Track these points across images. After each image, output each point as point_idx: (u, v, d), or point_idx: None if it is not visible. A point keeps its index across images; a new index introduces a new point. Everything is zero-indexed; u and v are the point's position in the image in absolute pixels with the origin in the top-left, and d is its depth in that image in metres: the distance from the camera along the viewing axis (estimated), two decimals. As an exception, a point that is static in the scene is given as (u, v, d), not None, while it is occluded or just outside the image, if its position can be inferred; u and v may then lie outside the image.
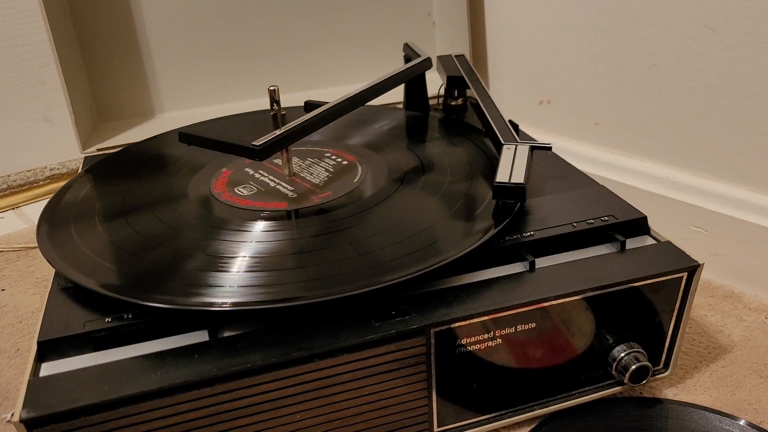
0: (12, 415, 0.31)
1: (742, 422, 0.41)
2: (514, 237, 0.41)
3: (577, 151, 0.68)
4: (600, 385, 0.43)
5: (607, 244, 0.42)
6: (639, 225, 0.43)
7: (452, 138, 0.56)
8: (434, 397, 0.38)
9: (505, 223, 0.41)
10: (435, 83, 0.68)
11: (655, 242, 0.43)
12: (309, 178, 0.50)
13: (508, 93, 0.75)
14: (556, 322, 0.39)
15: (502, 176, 0.42)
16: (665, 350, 0.43)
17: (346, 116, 0.53)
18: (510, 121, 0.51)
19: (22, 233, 0.70)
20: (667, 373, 0.44)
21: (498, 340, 0.38)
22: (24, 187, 0.78)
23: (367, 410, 0.37)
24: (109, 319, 0.36)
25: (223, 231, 0.42)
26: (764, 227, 0.53)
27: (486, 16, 0.74)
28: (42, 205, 0.74)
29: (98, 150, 0.65)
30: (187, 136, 0.48)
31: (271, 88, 0.49)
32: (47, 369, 0.34)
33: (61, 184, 0.73)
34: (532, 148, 0.46)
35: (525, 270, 0.40)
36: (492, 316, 0.37)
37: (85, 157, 0.64)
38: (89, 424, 0.32)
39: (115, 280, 0.38)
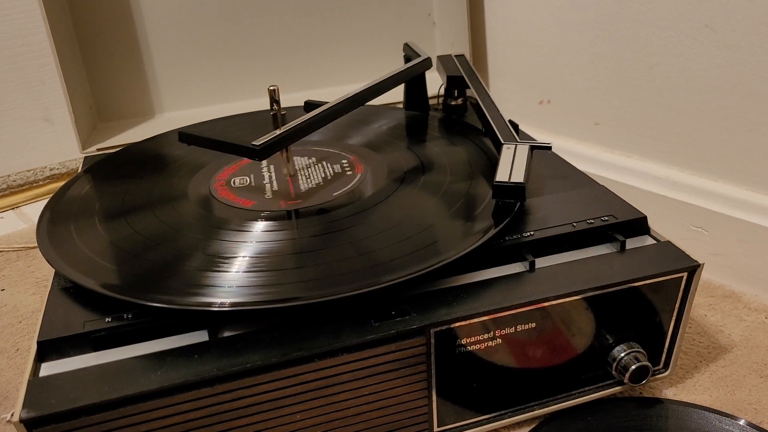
0: (12, 415, 0.31)
1: (742, 422, 0.41)
2: (514, 237, 0.41)
3: (577, 151, 0.68)
4: (600, 385, 0.43)
5: (607, 244, 0.42)
6: (639, 225, 0.43)
7: (452, 138, 0.56)
8: (434, 397, 0.38)
9: (505, 222, 0.41)
10: (435, 83, 0.68)
11: (655, 242, 0.43)
12: (308, 179, 0.50)
13: (508, 93, 0.75)
14: (556, 322, 0.39)
15: (501, 176, 0.42)
16: (665, 350, 0.43)
17: (346, 116, 0.53)
18: (510, 121, 0.51)
19: (22, 233, 0.70)
20: (667, 373, 0.44)
21: (498, 340, 0.38)
22: (24, 187, 0.78)
23: (367, 410, 0.37)
24: (109, 319, 0.36)
25: (223, 231, 0.42)
26: (764, 227, 0.53)
27: (486, 16, 0.74)
28: (42, 205, 0.74)
29: (98, 150, 0.65)
30: (187, 136, 0.48)
31: (271, 88, 0.49)
32: (47, 369, 0.34)
33: (61, 184, 0.73)
34: (532, 148, 0.46)
35: (525, 270, 0.40)
36: (492, 316, 0.37)
37: (85, 157, 0.64)
38: (89, 424, 0.32)
39: (115, 280, 0.38)
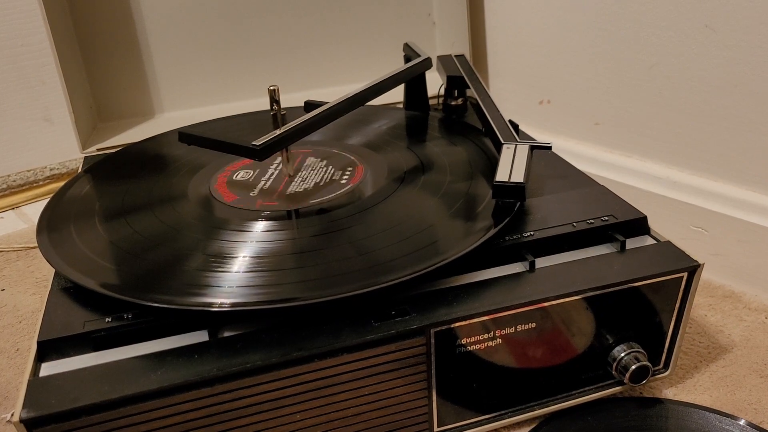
0: (12, 415, 0.31)
1: (742, 422, 0.41)
2: (514, 237, 0.41)
3: (577, 151, 0.68)
4: (600, 385, 0.43)
5: (607, 244, 0.42)
6: (639, 225, 0.43)
7: (452, 138, 0.56)
8: (434, 397, 0.38)
9: (504, 222, 0.41)
10: (435, 83, 0.68)
11: (655, 242, 0.43)
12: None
13: (508, 93, 0.75)
14: (556, 322, 0.39)
15: (501, 176, 0.42)
16: (665, 350, 0.43)
17: (346, 116, 0.53)
18: (510, 121, 0.51)
19: (22, 233, 0.70)
20: (667, 373, 0.44)
21: (498, 340, 0.38)
22: (24, 187, 0.78)
23: (367, 410, 0.37)
24: (109, 319, 0.36)
25: (222, 231, 0.42)
26: (764, 227, 0.53)
27: (486, 16, 0.74)
28: (42, 205, 0.74)
29: (98, 150, 0.65)
30: (186, 136, 0.48)
31: (271, 88, 0.49)
32: (47, 369, 0.34)
33: (61, 184, 0.73)
34: (532, 148, 0.46)
35: (525, 270, 0.40)
36: (492, 316, 0.37)
37: (85, 157, 0.64)
38: (89, 424, 0.32)
39: (115, 280, 0.38)
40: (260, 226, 0.43)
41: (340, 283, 0.36)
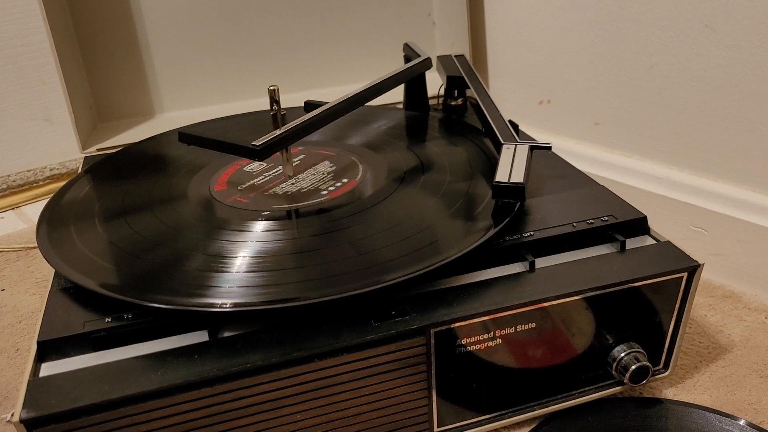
0: (12, 415, 0.31)
1: (742, 422, 0.41)
2: (514, 237, 0.41)
3: (577, 151, 0.68)
4: (600, 385, 0.43)
5: (607, 244, 0.42)
6: (639, 225, 0.43)
7: (452, 138, 0.56)
8: (434, 397, 0.38)
9: (504, 222, 0.41)
10: (435, 83, 0.68)
11: (655, 242, 0.43)
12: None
13: (508, 93, 0.75)
14: (556, 322, 0.39)
15: (501, 176, 0.42)
16: (665, 350, 0.43)
17: (346, 116, 0.53)
18: (510, 121, 0.51)
19: (22, 233, 0.70)
20: (667, 373, 0.44)
21: (498, 340, 0.38)
22: (24, 187, 0.78)
23: (367, 410, 0.37)
24: (109, 319, 0.36)
25: (222, 231, 0.42)
26: (764, 227, 0.53)
27: (486, 16, 0.74)
28: (42, 205, 0.74)
29: (98, 150, 0.65)
30: (186, 136, 0.48)
31: (271, 88, 0.49)
32: (47, 369, 0.34)
33: (61, 184, 0.73)
34: (532, 148, 0.46)
35: (525, 270, 0.40)
36: (492, 316, 0.37)
37: (85, 157, 0.64)
38: (89, 424, 0.32)
39: (115, 280, 0.38)
40: (260, 226, 0.43)
41: (341, 282, 0.36)
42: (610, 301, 0.39)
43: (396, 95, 0.64)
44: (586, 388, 0.42)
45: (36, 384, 0.32)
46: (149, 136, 0.62)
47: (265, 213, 0.44)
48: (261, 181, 0.50)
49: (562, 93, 0.69)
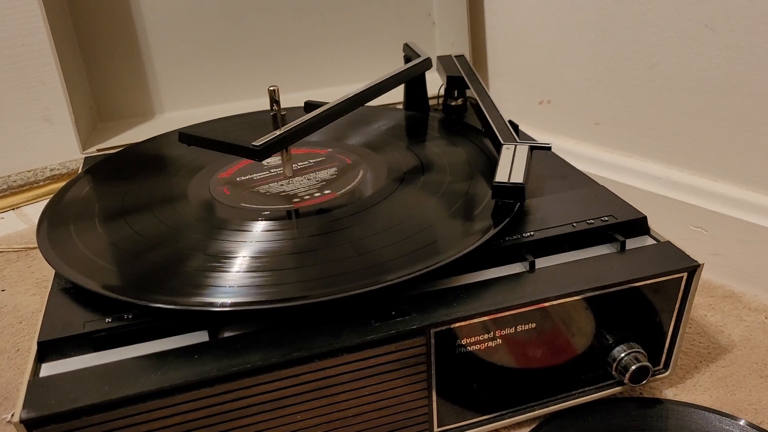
0: (12, 415, 0.31)
1: (742, 422, 0.41)
2: (514, 237, 0.41)
3: (577, 151, 0.68)
4: (600, 385, 0.43)
5: (607, 244, 0.42)
6: (639, 225, 0.43)
7: (452, 138, 0.56)
8: (434, 397, 0.38)
9: (504, 223, 0.41)
10: (435, 83, 0.68)
11: (655, 242, 0.43)
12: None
13: (508, 93, 0.75)
14: (556, 322, 0.39)
15: (501, 176, 0.42)
16: (665, 350, 0.43)
17: (346, 116, 0.53)
18: (510, 121, 0.51)
19: (23, 234, 0.70)
20: (667, 374, 0.44)
21: (498, 340, 0.38)
22: (24, 188, 0.78)
23: (367, 410, 0.37)
24: (110, 320, 0.36)
25: (223, 231, 0.42)
26: (764, 227, 0.54)
27: (486, 16, 0.74)
28: (42, 205, 0.74)
29: (98, 150, 0.65)
30: (186, 136, 0.48)
31: (271, 88, 0.49)
32: (47, 369, 0.34)
33: (61, 184, 0.73)
34: (532, 148, 0.46)
35: (525, 270, 0.40)
36: (492, 317, 0.37)
37: (85, 158, 0.64)
38: (89, 424, 0.32)
39: (115, 281, 0.38)
40: (260, 226, 0.43)
41: (341, 282, 0.36)
42: (610, 301, 0.39)
43: (396, 95, 0.64)
44: (586, 389, 0.42)
45: (36, 384, 0.32)
46: (149, 136, 0.62)
47: (265, 213, 0.44)
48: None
49: (562, 93, 0.69)
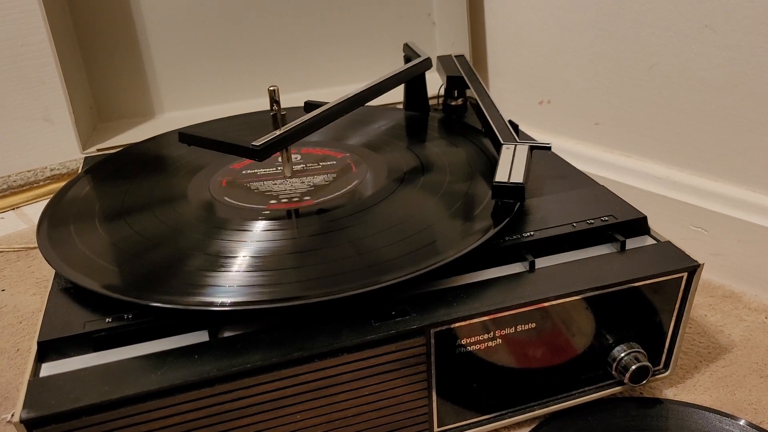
0: (12, 415, 0.31)
1: (742, 422, 0.41)
2: (514, 237, 0.41)
3: (577, 151, 0.68)
4: (600, 385, 0.43)
5: (607, 244, 0.42)
6: (639, 225, 0.43)
7: (452, 138, 0.56)
8: (434, 397, 0.38)
9: (504, 223, 0.41)
10: (435, 83, 0.68)
11: (655, 242, 0.43)
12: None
13: (508, 93, 0.75)
14: (556, 322, 0.39)
15: (501, 176, 0.42)
16: (665, 350, 0.43)
17: (346, 116, 0.53)
18: (510, 121, 0.51)
19: (23, 233, 0.70)
20: (667, 373, 0.44)
21: (498, 340, 0.38)
22: (24, 188, 0.78)
23: (367, 410, 0.37)
24: (110, 320, 0.36)
25: (223, 231, 0.42)
26: (764, 227, 0.54)
27: (486, 16, 0.74)
28: (42, 205, 0.74)
29: (98, 150, 0.65)
30: (186, 136, 0.48)
31: (271, 88, 0.49)
32: (47, 369, 0.34)
33: (62, 184, 0.73)
34: (532, 148, 0.46)
35: (525, 270, 0.40)
36: (492, 316, 0.37)
37: (85, 158, 0.64)
38: (89, 424, 0.32)
39: (116, 281, 0.38)
40: (260, 226, 0.43)
41: (341, 282, 0.36)
42: (610, 301, 0.39)
43: (396, 95, 0.64)
44: (586, 388, 0.42)
45: (36, 384, 0.32)
46: (149, 136, 0.62)
47: (265, 212, 0.44)
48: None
49: (562, 93, 0.69)
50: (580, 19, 0.64)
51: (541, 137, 0.71)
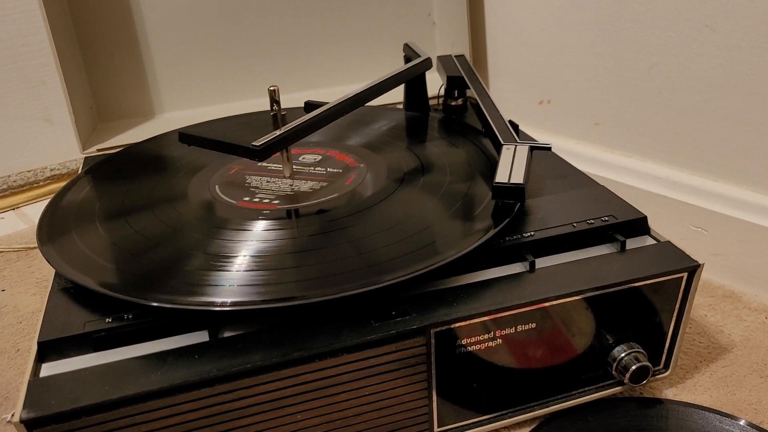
0: (12, 415, 0.31)
1: (742, 422, 0.41)
2: (514, 237, 0.41)
3: (577, 151, 0.68)
4: (600, 385, 0.43)
5: (607, 244, 0.42)
6: (639, 225, 0.43)
7: (452, 138, 0.56)
8: (434, 398, 0.38)
9: (504, 223, 0.41)
10: (435, 83, 0.68)
11: (655, 242, 0.43)
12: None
13: (508, 93, 0.75)
14: (556, 322, 0.39)
15: (501, 176, 0.42)
16: (665, 350, 0.43)
17: (346, 116, 0.53)
18: (510, 121, 0.51)
19: (23, 233, 0.70)
20: (667, 373, 0.44)
21: (498, 340, 0.38)
22: (24, 188, 0.78)
23: (367, 410, 0.37)
24: (110, 320, 0.36)
25: (223, 231, 0.42)
26: (764, 227, 0.54)
27: (486, 16, 0.74)
28: (42, 205, 0.74)
29: (98, 150, 0.65)
30: (186, 136, 0.48)
31: (271, 88, 0.49)
32: (47, 369, 0.34)
33: (62, 184, 0.73)
34: (532, 149, 0.46)
35: (525, 270, 0.40)
36: (492, 317, 0.37)
37: (86, 158, 0.64)
38: (89, 424, 0.32)
39: (116, 280, 0.38)
40: (260, 226, 0.43)
41: (341, 282, 0.36)
42: (610, 301, 0.39)
43: (396, 95, 0.64)
44: (587, 388, 0.43)
45: (36, 384, 0.32)
46: (149, 136, 0.62)
47: (265, 212, 0.44)
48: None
49: (562, 93, 0.69)
50: (580, 19, 0.64)
51: (541, 137, 0.71)
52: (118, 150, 0.61)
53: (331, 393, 0.36)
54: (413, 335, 0.36)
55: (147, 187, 0.50)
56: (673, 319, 0.42)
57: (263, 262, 0.39)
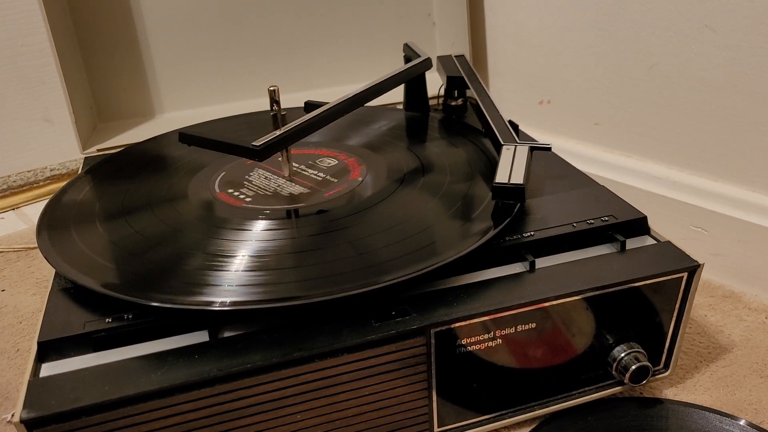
0: (12, 415, 0.31)
1: (742, 422, 0.41)
2: (514, 237, 0.41)
3: (577, 151, 0.68)
4: (600, 385, 0.43)
5: (607, 244, 0.42)
6: (639, 225, 0.43)
7: (452, 138, 0.56)
8: (434, 398, 0.38)
9: (504, 223, 0.41)
10: (435, 83, 0.68)
11: (655, 242, 0.43)
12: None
13: (508, 93, 0.75)
14: (556, 322, 0.39)
15: (501, 177, 0.42)
16: (665, 350, 0.43)
17: (346, 116, 0.53)
18: (510, 122, 0.51)
19: (23, 233, 0.70)
20: (667, 373, 0.44)
21: (498, 340, 0.38)
22: (24, 188, 0.78)
23: (367, 410, 0.37)
24: (110, 320, 0.36)
25: (223, 230, 0.42)
26: (764, 227, 0.54)
27: (486, 16, 0.74)
28: (42, 205, 0.74)
29: (98, 150, 0.65)
30: (186, 136, 0.48)
31: (271, 88, 0.49)
32: (47, 369, 0.34)
33: (61, 184, 0.73)
34: (532, 149, 0.46)
35: (525, 270, 0.40)
36: (492, 317, 0.37)
37: (86, 158, 0.64)
38: (89, 424, 0.32)
39: (116, 280, 0.38)
40: (260, 226, 0.43)
41: (341, 282, 0.36)
42: (610, 301, 0.39)
43: (396, 95, 0.64)
44: (587, 388, 0.43)
45: (36, 384, 0.32)
46: (149, 136, 0.62)
47: (266, 212, 0.44)
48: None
49: (562, 93, 0.69)
50: (580, 19, 0.64)
51: (541, 137, 0.71)
52: (118, 150, 0.61)
53: (331, 393, 0.36)
54: (413, 335, 0.36)
55: (147, 187, 0.50)
56: (673, 319, 0.42)
57: (263, 262, 0.39)
